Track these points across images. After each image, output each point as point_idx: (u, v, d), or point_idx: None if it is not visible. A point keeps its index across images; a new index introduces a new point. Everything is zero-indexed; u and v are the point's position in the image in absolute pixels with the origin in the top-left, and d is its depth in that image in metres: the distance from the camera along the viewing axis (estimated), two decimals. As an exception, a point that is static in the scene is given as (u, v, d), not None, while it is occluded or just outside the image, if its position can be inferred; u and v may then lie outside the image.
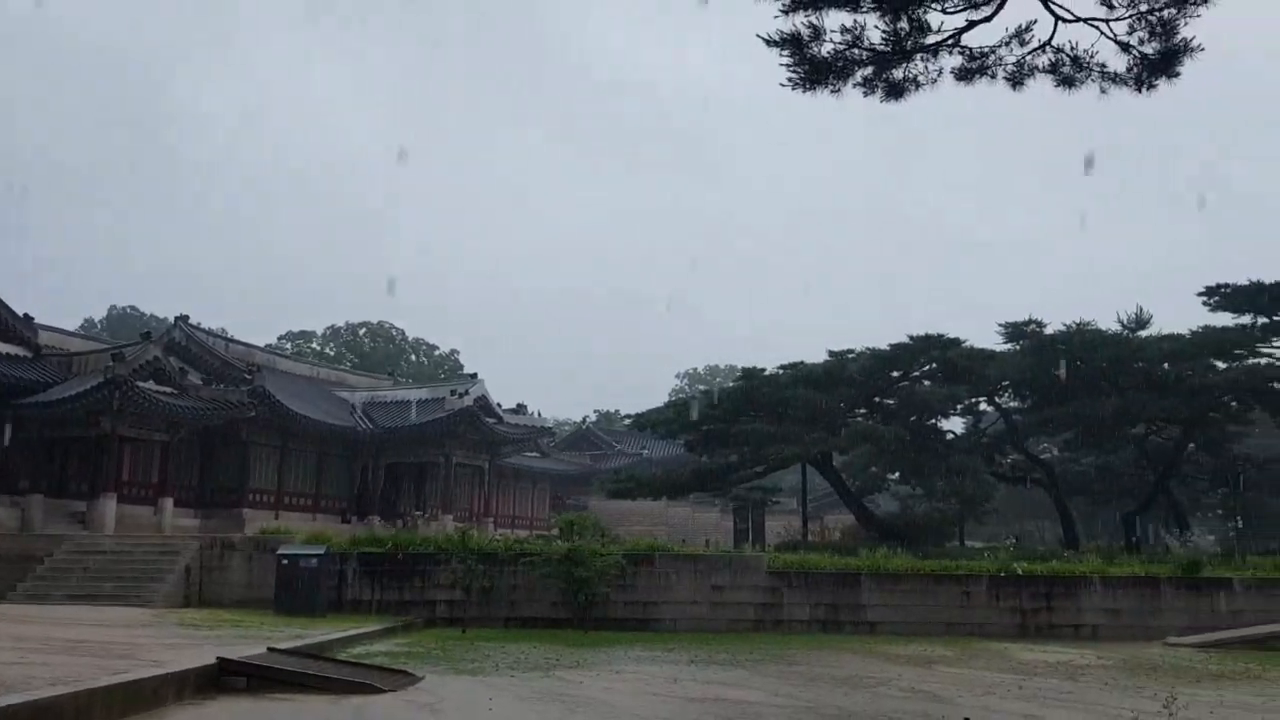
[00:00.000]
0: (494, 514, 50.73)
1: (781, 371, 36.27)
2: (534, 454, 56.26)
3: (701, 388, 75.88)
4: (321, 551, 22.89)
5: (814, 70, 10.70)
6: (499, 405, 48.94)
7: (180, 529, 33.59)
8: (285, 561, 22.48)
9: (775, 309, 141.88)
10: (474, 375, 50.79)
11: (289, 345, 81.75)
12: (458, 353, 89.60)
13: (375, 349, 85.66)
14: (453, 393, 45.26)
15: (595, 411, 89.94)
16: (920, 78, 10.88)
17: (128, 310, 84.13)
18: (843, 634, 22.45)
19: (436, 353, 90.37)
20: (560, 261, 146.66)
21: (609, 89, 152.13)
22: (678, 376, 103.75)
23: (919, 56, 10.71)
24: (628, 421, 47.16)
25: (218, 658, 12.46)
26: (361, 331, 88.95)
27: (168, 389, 34.91)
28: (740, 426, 33.67)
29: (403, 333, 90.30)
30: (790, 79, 10.74)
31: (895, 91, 11.01)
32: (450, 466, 45.46)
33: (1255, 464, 40.54)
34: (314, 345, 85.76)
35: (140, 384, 33.24)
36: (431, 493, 46.99)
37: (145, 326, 49.73)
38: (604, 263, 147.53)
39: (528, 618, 22.78)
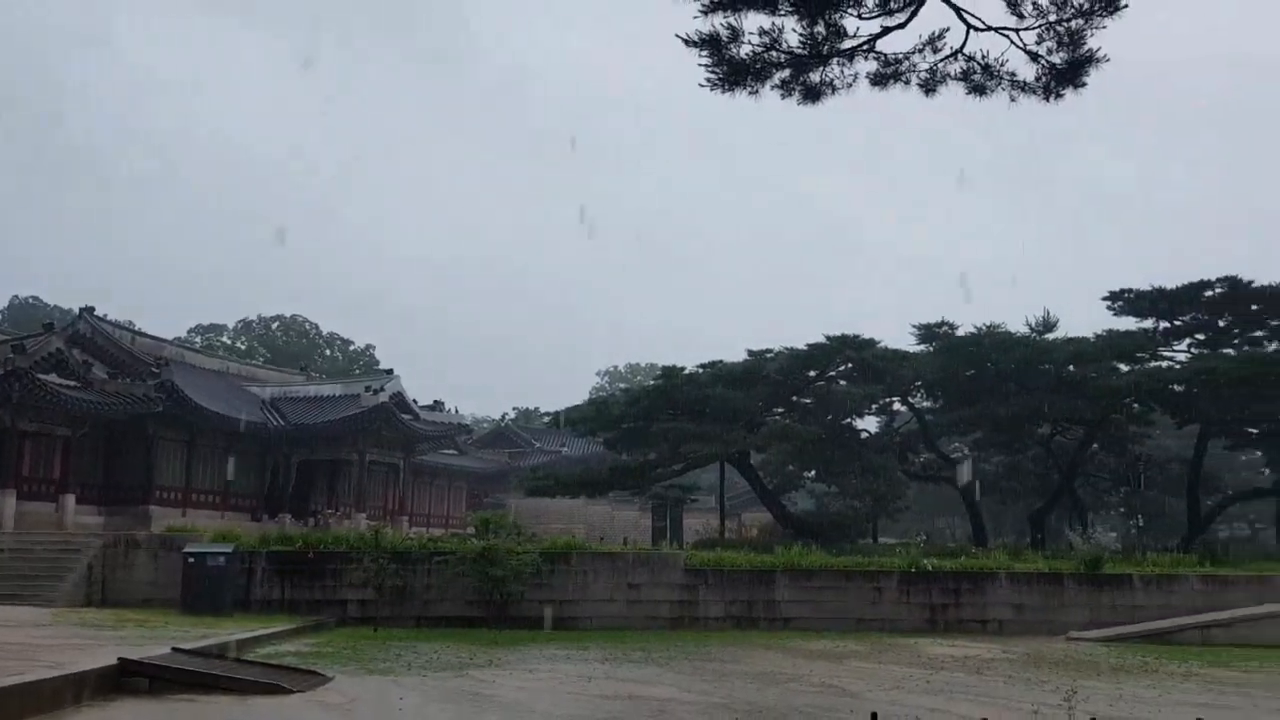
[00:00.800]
0: (409, 512, 50.10)
1: (701, 370, 36.51)
2: (451, 452, 55.72)
3: (622, 386, 76.03)
4: (229, 550, 22.39)
5: (732, 71, 10.77)
6: (415, 402, 48.33)
7: (83, 527, 32.49)
8: (191, 560, 21.93)
9: (699, 309, 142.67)
10: (390, 371, 50.10)
11: (199, 339, 79.72)
12: (374, 348, 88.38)
13: (289, 343, 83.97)
14: (368, 389, 44.52)
15: (514, 409, 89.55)
16: (836, 82, 11.01)
17: (30, 301, 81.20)
18: (758, 630, 22.70)
19: (351, 348, 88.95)
20: (483, 260, 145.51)
21: (536, 99, 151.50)
22: (599, 374, 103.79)
23: (835, 61, 10.84)
24: (547, 419, 47.06)
25: (119, 658, 12.12)
26: (274, 325, 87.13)
27: (71, 382, 33.75)
28: (660, 425, 33.81)
29: (317, 327, 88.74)
30: (709, 79, 10.79)
31: (812, 94, 11.13)
32: (364, 464, 44.77)
33: (1155, 464, 41.91)
34: (225, 339, 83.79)
35: (41, 376, 32.08)
36: (345, 491, 46.22)
37: (49, 318, 47.96)
38: (527, 261, 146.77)
39: (442, 617, 22.57)
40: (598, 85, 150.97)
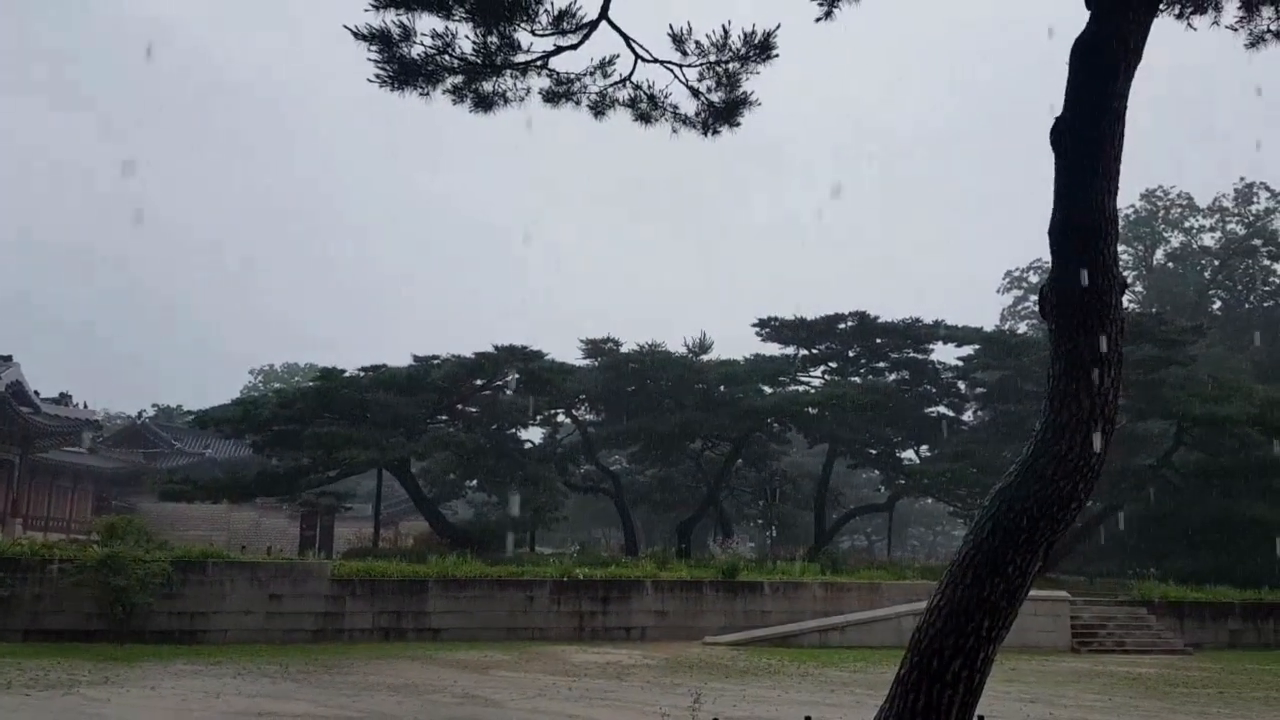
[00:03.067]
0: (24, 514, 45.01)
1: (363, 374, 35.46)
2: (78, 450, 50.66)
3: (277, 386, 72.36)
4: None
5: (403, 70, 10.53)
6: (38, 394, 43.58)
7: None
8: None
9: (370, 310, 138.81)
10: (8, 358, 44.83)
11: None
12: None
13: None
14: (-21, 376, 39.65)
15: (154, 406, 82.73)
16: (509, 94, 11.04)
17: None
18: (406, 641, 22.29)
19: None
20: (125, 245, 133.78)
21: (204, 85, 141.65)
22: (252, 373, 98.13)
23: (509, 73, 10.86)
24: (190, 418, 43.76)
25: None
26: None
27: None
28: (315, 428, 32.41)
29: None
30: (378, 76, 10.50)
31: (484, 104, 11.10)
32: (-29, 460, 39.81)
33: (789, 479, 45.41)
34: None
35: None
36: (-53, 489, 40.89)
37: None
38: (170, 251, 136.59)
39: (55, 630, 20.40)
40: (265, 73, 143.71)
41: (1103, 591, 30.23)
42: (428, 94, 10.78)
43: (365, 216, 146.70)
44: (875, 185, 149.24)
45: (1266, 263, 65.61)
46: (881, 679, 17.56)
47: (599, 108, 11.41)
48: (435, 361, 36.19)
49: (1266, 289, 65.92)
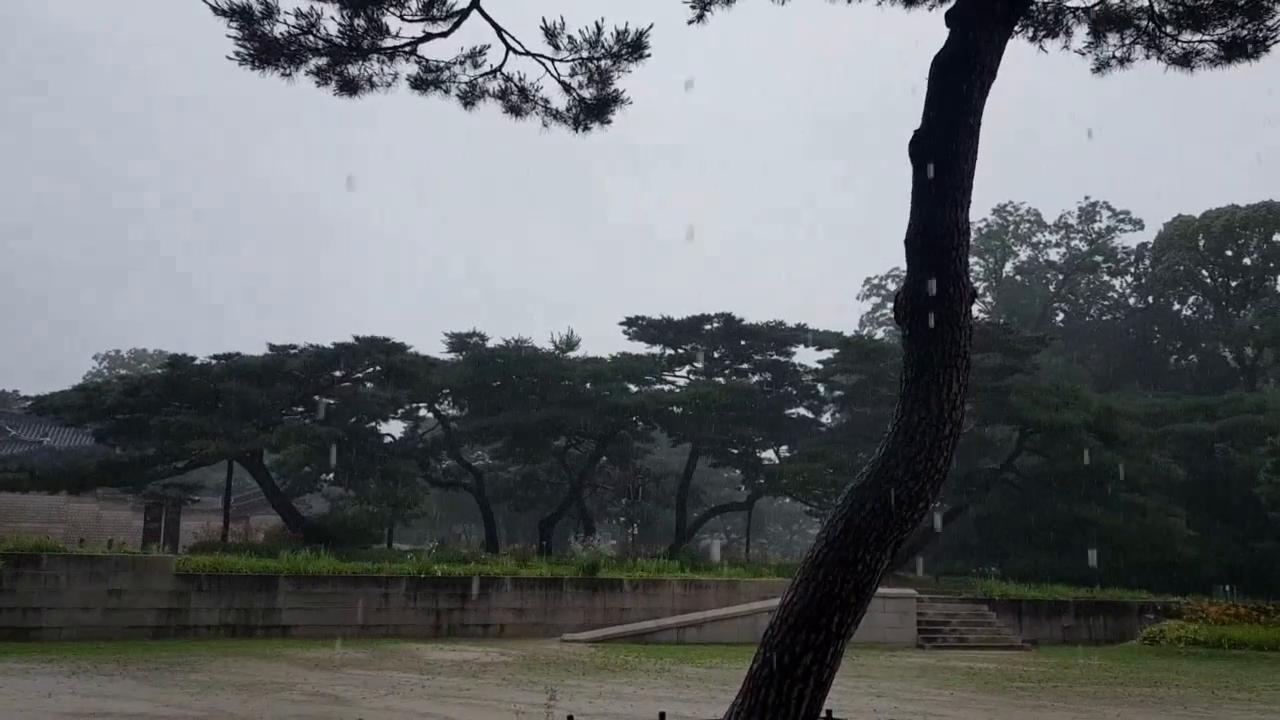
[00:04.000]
0: None
1: (216, 362, 34.20)
2: (-102, 436, 47.42)
3: (123, 372, 69.22)
4: None
5: (265, 49, 10.20)
6: None
7: None
8: None
9: (214, 298, 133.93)
10: None
11: None
12: None
13: None
14: None
15: (-12, 391, 78.19)
16: (376, 79, 10.81)
17: None
18: (255, 639, 21.61)
19: None
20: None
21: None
22: (96, 359, 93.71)
23: (375, 57, 10.64)
24: (28, 404, 41.47)
25: None
26: None
27: None
28: (163, 417, 31.06)
29: None
30: (239, 53, 10.15)
31: (350, 88, 10.85)
32: None
33: (653, 477, 45.77)
34: None
35: None
36: None
37: None
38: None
39: None
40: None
41: (948, 589, 31.42)
42: (289, 74, 10.47)
43: (216, 206, 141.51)
44: (750, 190, 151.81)
45: (1106, 278, 69.37)
46: (737, 675, 17.79)
47: (469, 98, 11.27)
48: (293, 351, 35.16)
49: (1105, 303, 69.69)
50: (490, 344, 39.40)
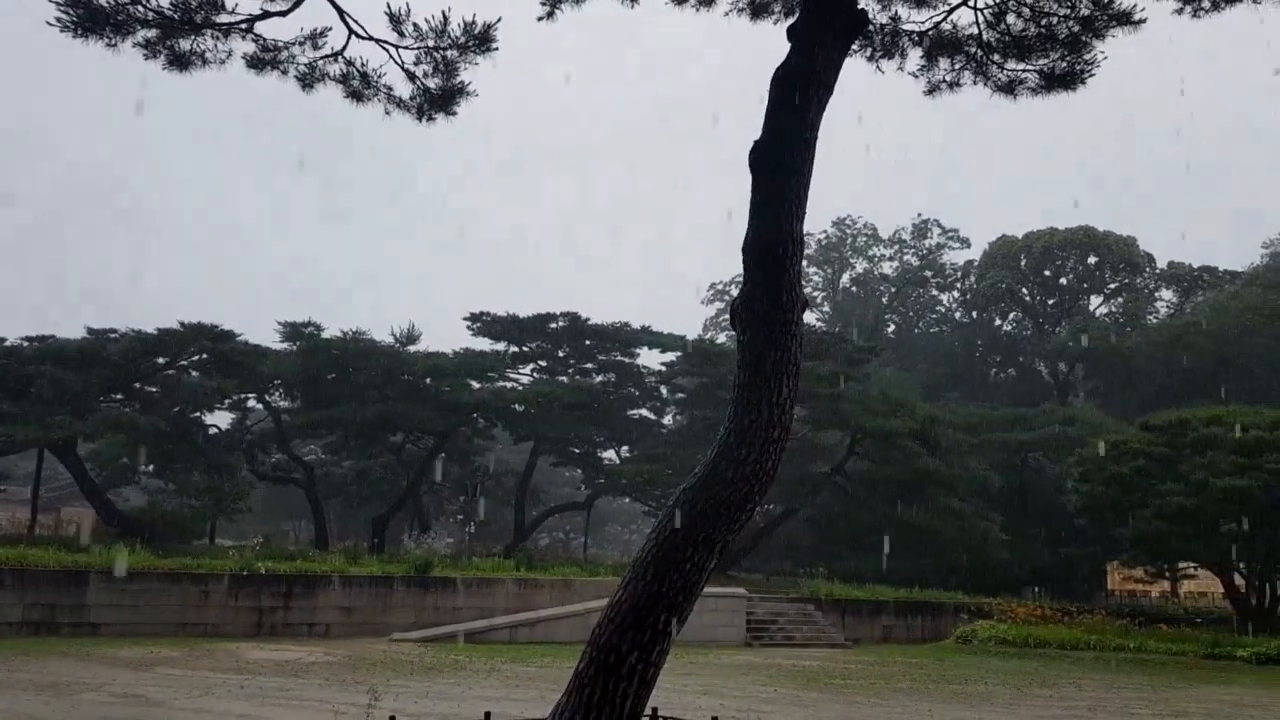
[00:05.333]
0: None
1: (27, 344, 32.13)
2: None
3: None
4: None
5: (90, 17, 9.69)
6: None
7: None
8: None
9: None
10: None
11: None
12: None
13: None
14: None
15: None
16: (209, 55, 10.40)
17: None
18: (61, 637, 20.46)
19: None
20: None
21: None
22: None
23: (209, 33, 10.23)
24: None
25: None
26: None
27: None
28: (-35, 401, 29.04)
29: None
30: (60, 19, 9.62)
31: (180, 62, 10.40)
32: None
33: (492, 475, 45.39)
34: None
35: None
36: None
37: None
38: None
39: None
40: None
41: (778, 589, 32.27)
42: (115, 44, 9.96)
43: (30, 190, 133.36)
44: (601, 191, 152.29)
45: (935, 293, 72.64)
46: (567, 674, 17.70)
47: (308, 80, 10.94)
48: (112, 336, 33.35)
49: (934, 316, 73.01)
50: (326, 334, 38.32)
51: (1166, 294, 69.74)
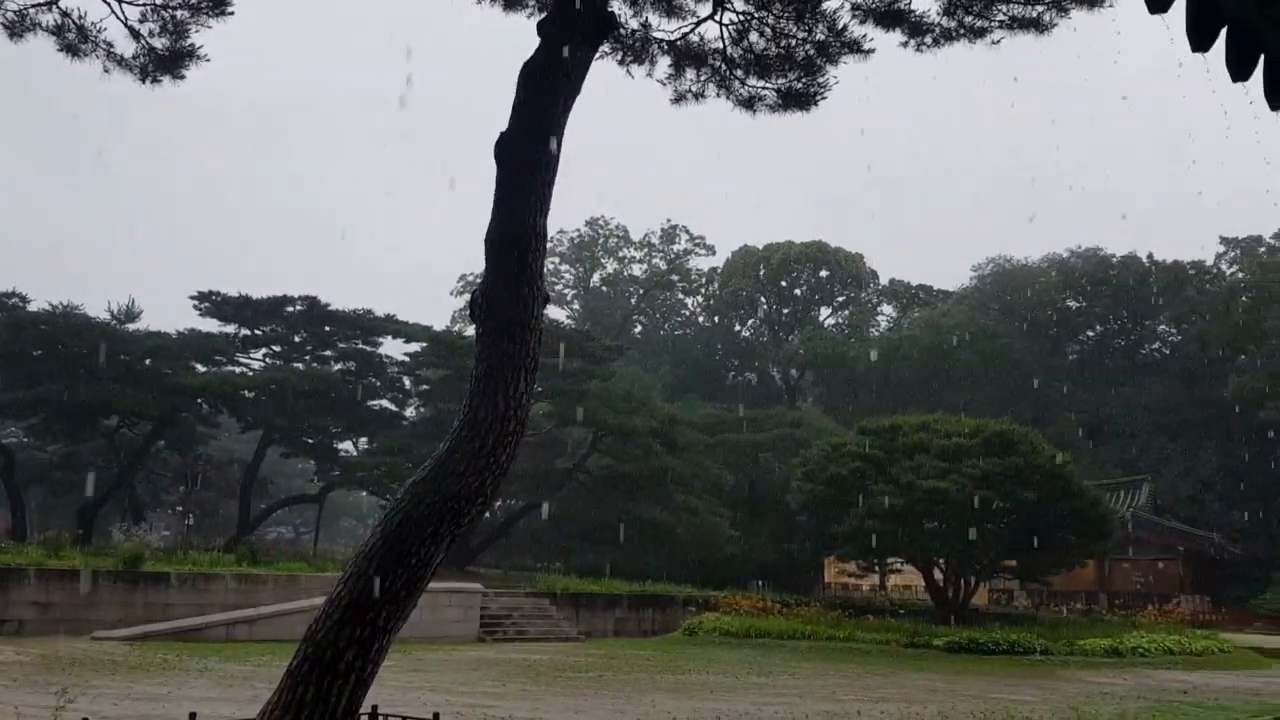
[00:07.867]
0: None
1: None
2: None
3: None
4: None
5: None
6: None
7: None
8: None
9: None
10: None
11: None
12: None
13: None
14: None
15: None
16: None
17: None
18: None
19: None
20: None
21: None
22: None
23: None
24: None
25: None
26: None
27: None
28: None
29: None
30: None
31: None
32: None
33: (216, 465, 43.02)
34: None
35: None
36: None
37: None
38: None
39: None
40: None
41: (515, 584, 32.29)
42: None
43: None
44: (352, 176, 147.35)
45: (681, 296, 75.01)
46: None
47: (16, 29, 10.07)
48: None
49: (679, 319, 75.35)
50: (33, 307, 35.11)
51: (887, 309, 75.20)
